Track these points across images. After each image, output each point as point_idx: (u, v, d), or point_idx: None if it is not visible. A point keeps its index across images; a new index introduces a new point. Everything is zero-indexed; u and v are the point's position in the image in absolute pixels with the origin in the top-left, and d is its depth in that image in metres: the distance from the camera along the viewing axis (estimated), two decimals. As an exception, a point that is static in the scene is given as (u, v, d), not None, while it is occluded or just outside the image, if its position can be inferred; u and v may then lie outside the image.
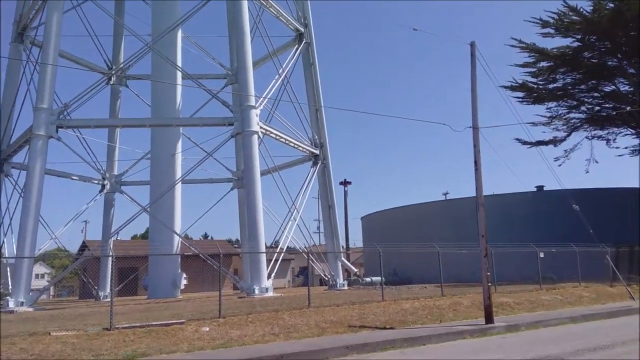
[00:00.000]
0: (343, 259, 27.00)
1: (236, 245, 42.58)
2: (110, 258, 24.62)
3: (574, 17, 28.65)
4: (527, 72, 31.47)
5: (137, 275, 28.69)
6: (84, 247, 35.93)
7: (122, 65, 25.90)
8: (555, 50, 30.15)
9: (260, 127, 20.48)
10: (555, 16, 29.16)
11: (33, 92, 21.32)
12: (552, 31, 29.85)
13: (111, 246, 25.84)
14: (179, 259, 23.72)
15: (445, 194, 45.19)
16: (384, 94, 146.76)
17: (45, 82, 19.72)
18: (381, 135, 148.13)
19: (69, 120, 20.04)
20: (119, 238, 33.77)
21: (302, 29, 25.67)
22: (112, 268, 12.58)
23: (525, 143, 32.42)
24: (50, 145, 19.84)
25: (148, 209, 22.11)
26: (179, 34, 24.67)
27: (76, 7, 23.21)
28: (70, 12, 23.08)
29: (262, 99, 21.06)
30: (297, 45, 25.46)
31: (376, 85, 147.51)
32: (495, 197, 30.38)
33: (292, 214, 22.66)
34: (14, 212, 21.95)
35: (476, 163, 12.59)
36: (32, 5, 23.22)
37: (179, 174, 23.36)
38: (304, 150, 24.68)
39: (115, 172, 27.04)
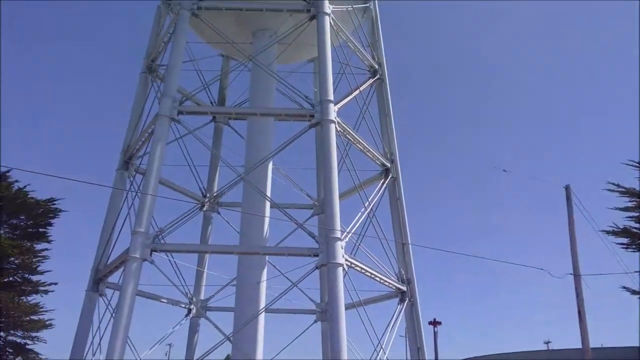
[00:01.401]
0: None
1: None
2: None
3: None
4: (629, 217, 30.04)
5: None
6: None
7: (215, 194, 27.39)
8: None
9: (346, 260, 20.40)
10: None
11: (132, 216, 22.65)
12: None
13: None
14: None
15: (547, 343, 42.36)
16: (476, 235, 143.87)
17: (144, 208, 20.92)
18: (474, 276, 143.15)
19: (163, 245, 20.91)
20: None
21: (389, 165, 26.26)
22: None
23: (634, 292, 30.11)
24: (143, 267, 20.61)
25: (231, 338, 21.99)
26: (270, 166, 25.93)
27: (178, 139, 25.22)
28: (172, 143, 25.01)
29: (347, 232, 21.20)
30: (383, 180, 25.95)
31: (466, 227, 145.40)
32: (603, 351, 27.82)
33: (377, 354, 21.71)
34: (104, 332, 22.47)
35: (580, 313, 11.80)
36: (139, 137, 25.38)
37: (263, 302, 23.37)
38: (390, 285, 24.18)
39: (202, 297, 27.56)
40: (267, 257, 24.07)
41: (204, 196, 28.39)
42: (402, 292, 24.78)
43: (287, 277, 21.97)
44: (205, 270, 28.44)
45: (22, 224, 28.98)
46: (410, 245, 25.87)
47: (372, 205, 24.04)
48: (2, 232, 27.59)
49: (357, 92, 25.79)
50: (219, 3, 25.50)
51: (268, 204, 24.97)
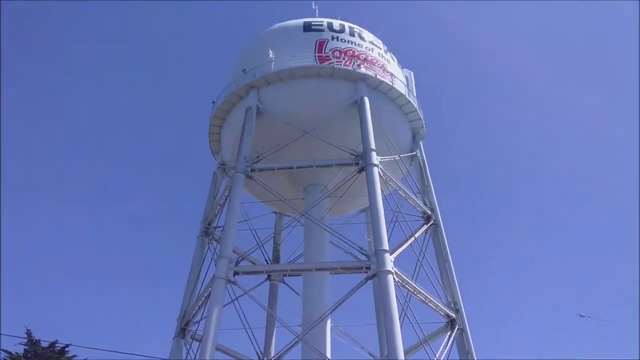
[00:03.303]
0: None
1: None
2: None
3: None
4: None
5: None
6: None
7: (273, 357, 26.24)
8: None
9: None
10: None
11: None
12: None
13: None
14: None
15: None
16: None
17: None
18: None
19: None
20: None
21: (454, 315, 24.71)
22: None
23: None
24: None
25: None
26: (328, 323, 24.89)
27: (234, 300, 24.81)
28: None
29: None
30: (449, 332, 24.30)
31: None
32: None
33: None
34: None
35: None
36: (196, 302, 25.21)
37: None
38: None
39: None
40: None
41: (261, 360, 27.30)
42: None
43: None
44: None
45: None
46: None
47: (439, 361, 22.31)
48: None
49: (412, 239, 25.20)
50: (271, 164, 26.44)
51: (329, 365, 23.60)
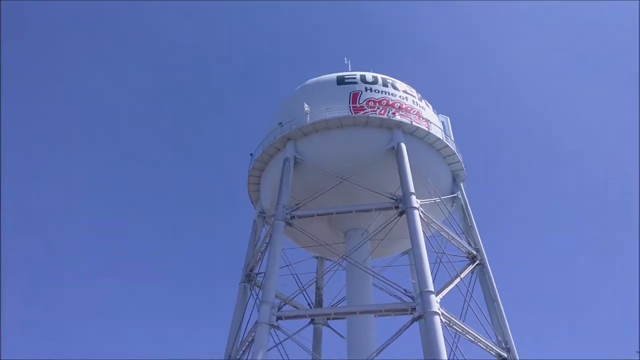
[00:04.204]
0: None
1: None
2: None
3: None
4: None
5: None
6: None
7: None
8: None
9: None
10: None
11: None
12: None
13: None
14: None
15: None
16: None
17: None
18: None
19: None
20: None
21: (505, 354, 23.83)
22: None
23: None
24: None
25: None
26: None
27: (278, 344, 24.35)
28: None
29: None
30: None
31: None
32: None
33: None
34: None
35: None
36: (240, 347, 24.83)
37: None
38: None
39: None
40: None
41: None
42: None
43: None
44: None
45: None
46: None
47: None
48: None
49: (457, 280, 24.79)
50: (311, 211, 26.64)
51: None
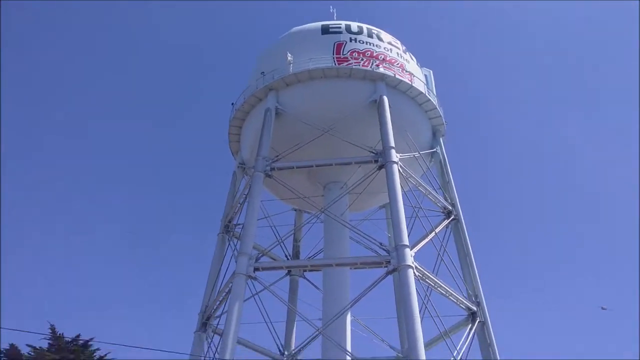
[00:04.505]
0: None
1: None
2: None
3: None
4: None
5: None
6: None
7: (294, 351, 26.28)
8: None
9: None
10: None
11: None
12: None
13: None
14: None
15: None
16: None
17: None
18: None
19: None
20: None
21: (475, 308, 24.54)
22: None
23: None
24: None
25: None
26: (348, 317, 24.85)
27: (255, 295, 24.91)
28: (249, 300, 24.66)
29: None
30: (470, 325, 24.11)
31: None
32: None
33: None
34: None
35: None
36: (217, 297, 25.35)
37: None
38: None
39: None
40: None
41: (282, 354, 27.29)
42: None
43: None
44: None
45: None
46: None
47: (461, 354, 22.12)
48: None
49: (432, 234, 25.15)
50: (291, 163, 26.58)
51: (349, 359, 23.50)
